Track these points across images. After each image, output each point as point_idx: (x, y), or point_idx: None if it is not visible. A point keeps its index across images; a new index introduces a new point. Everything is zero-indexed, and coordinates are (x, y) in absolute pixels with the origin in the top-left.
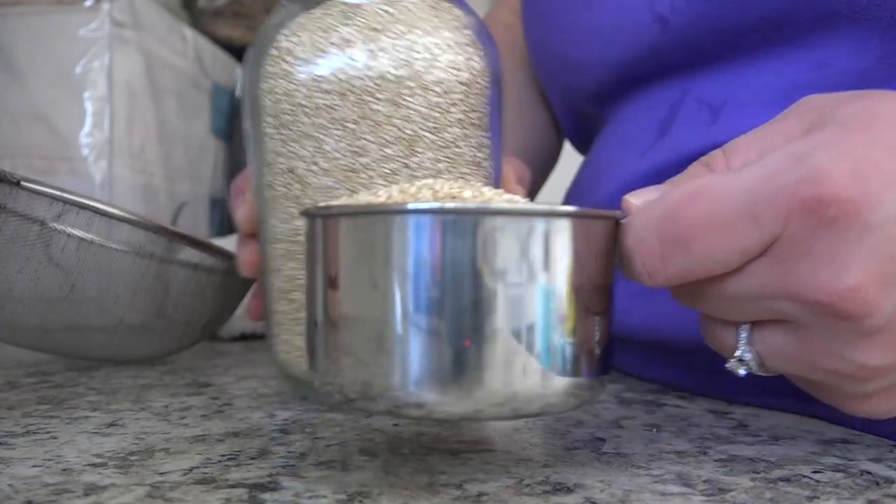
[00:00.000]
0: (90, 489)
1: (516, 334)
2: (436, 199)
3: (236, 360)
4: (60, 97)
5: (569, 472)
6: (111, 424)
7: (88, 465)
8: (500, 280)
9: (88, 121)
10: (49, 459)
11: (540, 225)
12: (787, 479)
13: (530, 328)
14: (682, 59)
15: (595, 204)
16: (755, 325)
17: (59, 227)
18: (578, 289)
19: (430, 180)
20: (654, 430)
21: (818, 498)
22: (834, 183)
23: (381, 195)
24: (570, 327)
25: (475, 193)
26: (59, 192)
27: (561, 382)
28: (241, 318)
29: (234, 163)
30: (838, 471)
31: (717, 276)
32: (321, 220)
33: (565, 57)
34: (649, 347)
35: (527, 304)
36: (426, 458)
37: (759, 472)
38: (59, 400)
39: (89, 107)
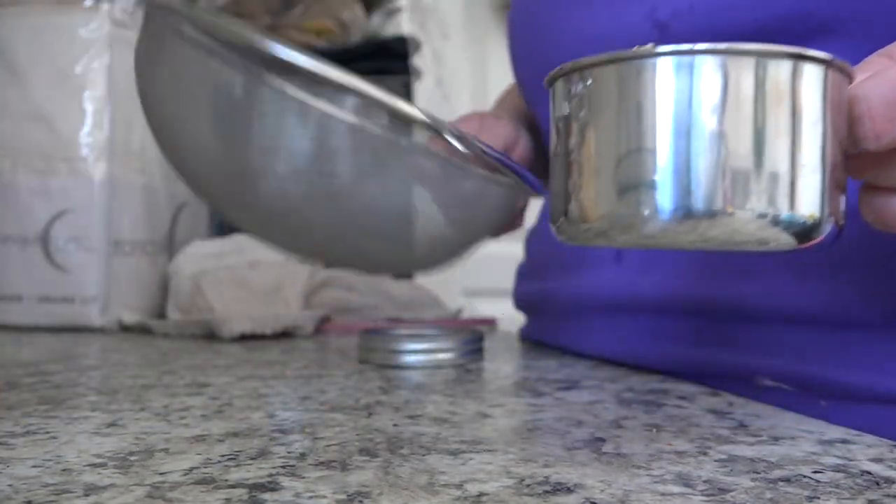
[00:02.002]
0: (90, 489)
1: (767, 173)
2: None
3: (236, 360)
4: (60, 97)
5: (569, 472)
6: (111, 424)
7: (88, 465)
8: (753, 121)
9: (88, 121)
10: (49, 459)
11: (796, 68)
12: (787, 479)
13: (780, 170)
14: None
15: None
16: None
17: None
18: (827, 136)
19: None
20: (654, 430)
21: (818, 498)
22: None
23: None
24: (819, 173)
25: None
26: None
27: (799, 228)
28: (241, 319)
29: None
30: (838, 471)
31: None
32: (573, 75)
33: (556, 59)
34: (661, 313)
35: (778, 146)
36: (426, 458)
37: (759, 472)
38: (59, 400)
39: (89, 107)
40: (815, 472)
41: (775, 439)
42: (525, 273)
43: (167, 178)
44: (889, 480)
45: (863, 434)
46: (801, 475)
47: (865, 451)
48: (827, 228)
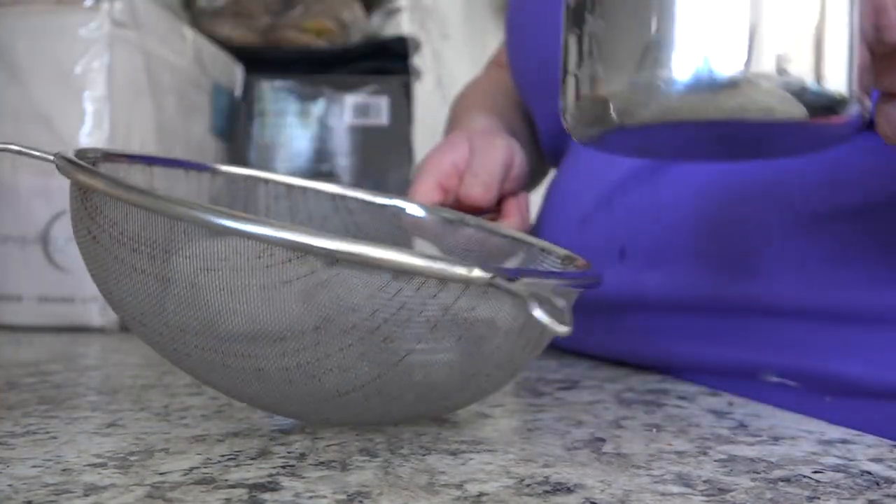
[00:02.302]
0: (90, 489)
1: (795, 39)
2: None
3: None
4: (60, 97)
5: (569, 472)
6: (111, 424)
7: (88, 465)
8: None
9: (88, 121)
10: (49, 459)
11: None
12: (787, 479)
13: (807, 38)
14: None
15: (600, 192)
16: None
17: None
18: (853, 15)
19: None
20: (654, 430)
21: (818, 498)
22: None
23: None
24: (847, 51)
25: None
26: None
27: (829, 101)
28: None
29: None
30: (838, 471)
31: None
32: None
33: (554, 59)
34: (665, 311)
35: (805, 13)
36: (426, 458)
37: (759, 472)
38: (59, 400)
39: (89, 107)
40: (815, 472)
41: (775, 439)
42: None
43: None
44: (889, 480)
45: (863, 434)
46: (801, 475)
47: (865, 451)
48: (852, 111)
